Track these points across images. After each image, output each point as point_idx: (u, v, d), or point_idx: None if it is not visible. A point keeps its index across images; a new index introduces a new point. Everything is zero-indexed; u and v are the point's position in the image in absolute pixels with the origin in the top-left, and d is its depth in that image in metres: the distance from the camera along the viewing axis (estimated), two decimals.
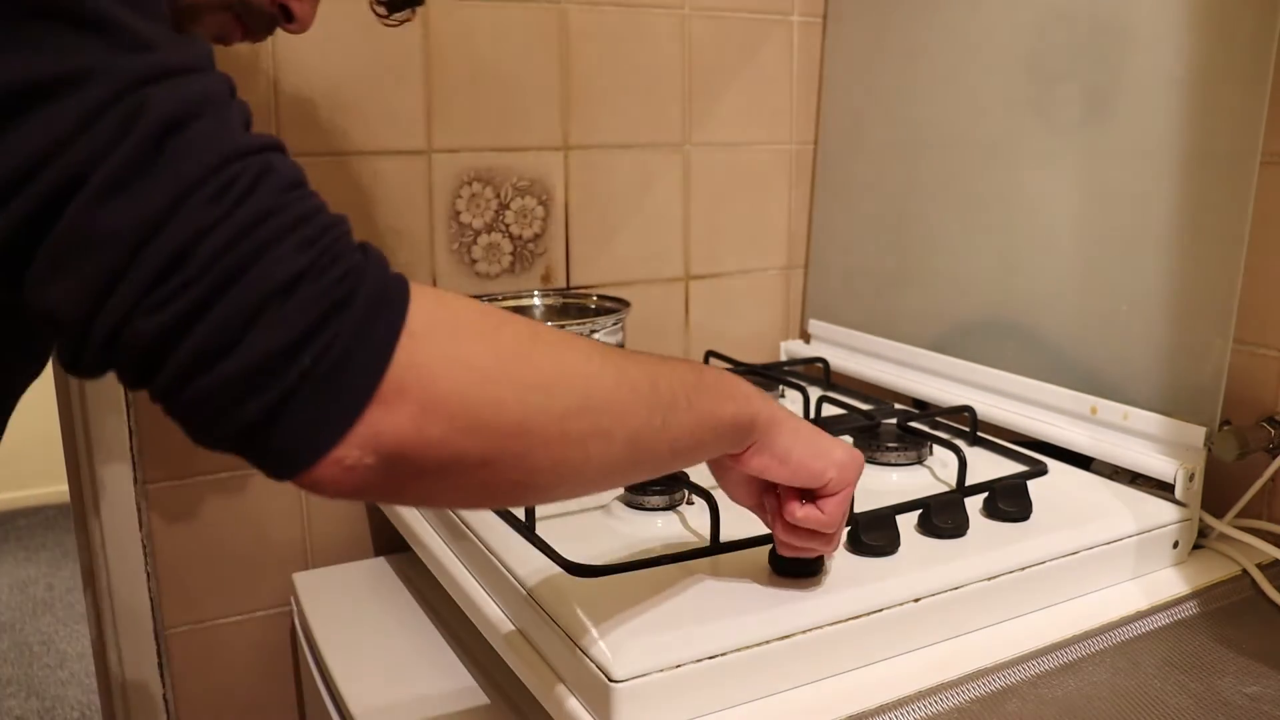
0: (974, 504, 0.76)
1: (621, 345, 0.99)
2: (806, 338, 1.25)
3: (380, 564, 1.01)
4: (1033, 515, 0.75)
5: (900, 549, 0.70)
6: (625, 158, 1.12)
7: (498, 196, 1.06)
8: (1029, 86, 0.93)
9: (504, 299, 1.06)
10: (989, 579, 0.69)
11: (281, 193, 0.38)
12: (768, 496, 0.62)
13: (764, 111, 1.19)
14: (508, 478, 0.44)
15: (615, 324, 0.99)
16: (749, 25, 1.16)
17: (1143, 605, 0.73)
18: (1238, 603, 0.74)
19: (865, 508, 0.72)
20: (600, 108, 1.09)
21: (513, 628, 0.68)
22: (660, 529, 0.74)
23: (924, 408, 1.04)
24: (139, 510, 0.94)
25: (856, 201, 1.17)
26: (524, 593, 0.66)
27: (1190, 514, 0.79)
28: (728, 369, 1.01)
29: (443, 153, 1.02)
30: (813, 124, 1.23)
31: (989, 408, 0.95)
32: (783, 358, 1.24)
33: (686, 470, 0.77)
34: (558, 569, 0.66)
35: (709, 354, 1.14)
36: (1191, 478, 0.78)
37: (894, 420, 0.91)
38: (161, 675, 0.97)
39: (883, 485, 0.81)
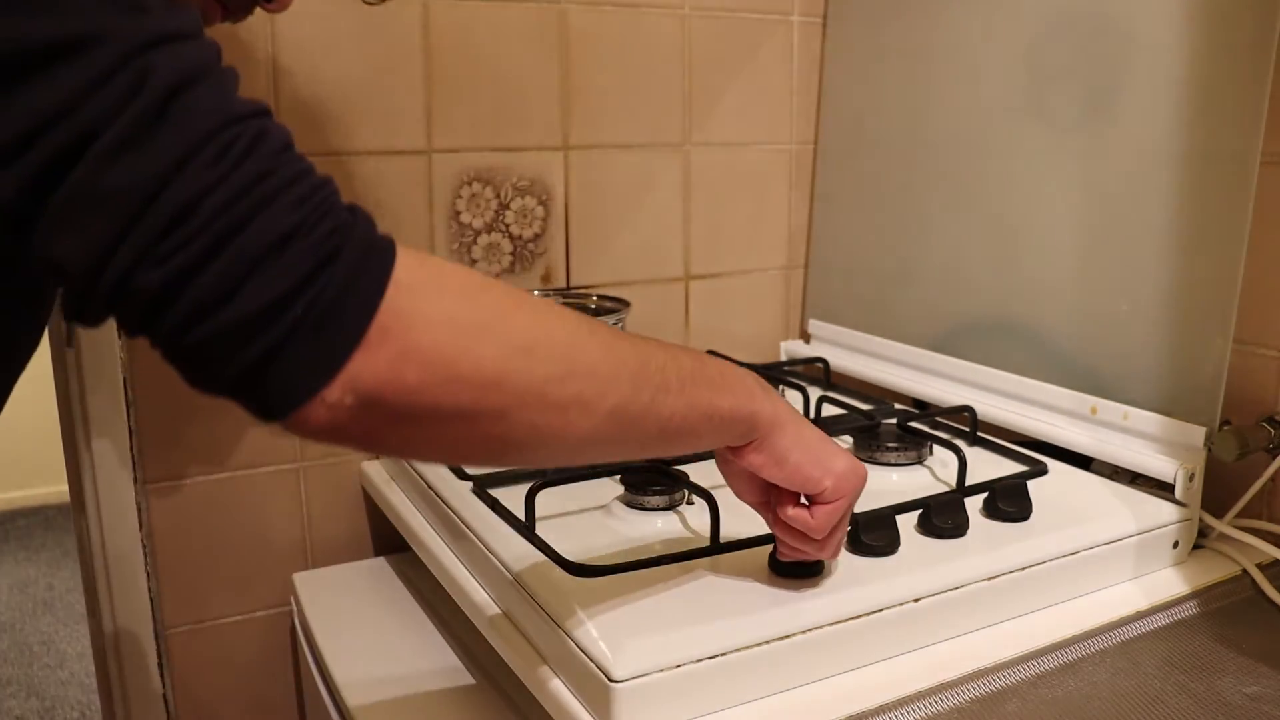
0: (974, 504, 0.76)
1: None
2: (806, 338, 1.25)
3: (380, 564, 1.01)
4: (1033, 515, 0.75)
5: (900, 549, 0.70)
6: (625, 158, 1.12)
7: (498, 196, 1.06)
8: (1029, 86, 0.93)
9: None
10: (989, 579, 0.69)
11: (275, 155, 0.41)
12: (772, 495, 0.62)
13: (764, 111, 1.19)
14: (485, 433, 0.45)
15: (615, 324, 0.99)
16: (749, 25, 1.16)
17: (1143, 605, 0.73)
18: (1238, 603, 0.74)
19: (865, 508, 0.72)
20: (600, 108, 1.09)
21: (513, 628, 0.68)
22: (660, 529, 0.74)
23: (924, 408, 1.04)
24: (139, 510, 0.94)
25: (856, 201, 1.17)
26: (524, 592, 0.66)
27: (1190, 514, 0.79)
28: None
29: (443, 153, 1.02)
30: (813, 124, 1.23)
31: (989, 408, 0.95)
32: (783, 358, 1.24)
33: (687, 470, 0.78)
34: (558, 569, 0.66)
35: (709, 354, 1.14)
36: (1191, 478, 0.78)
37: (894, 420, 0.91)
38: (161, 675, 0.97)
39: (883, 485, 0.81)
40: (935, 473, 0.84)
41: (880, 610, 0.64)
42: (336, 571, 1.01)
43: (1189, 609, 0.73)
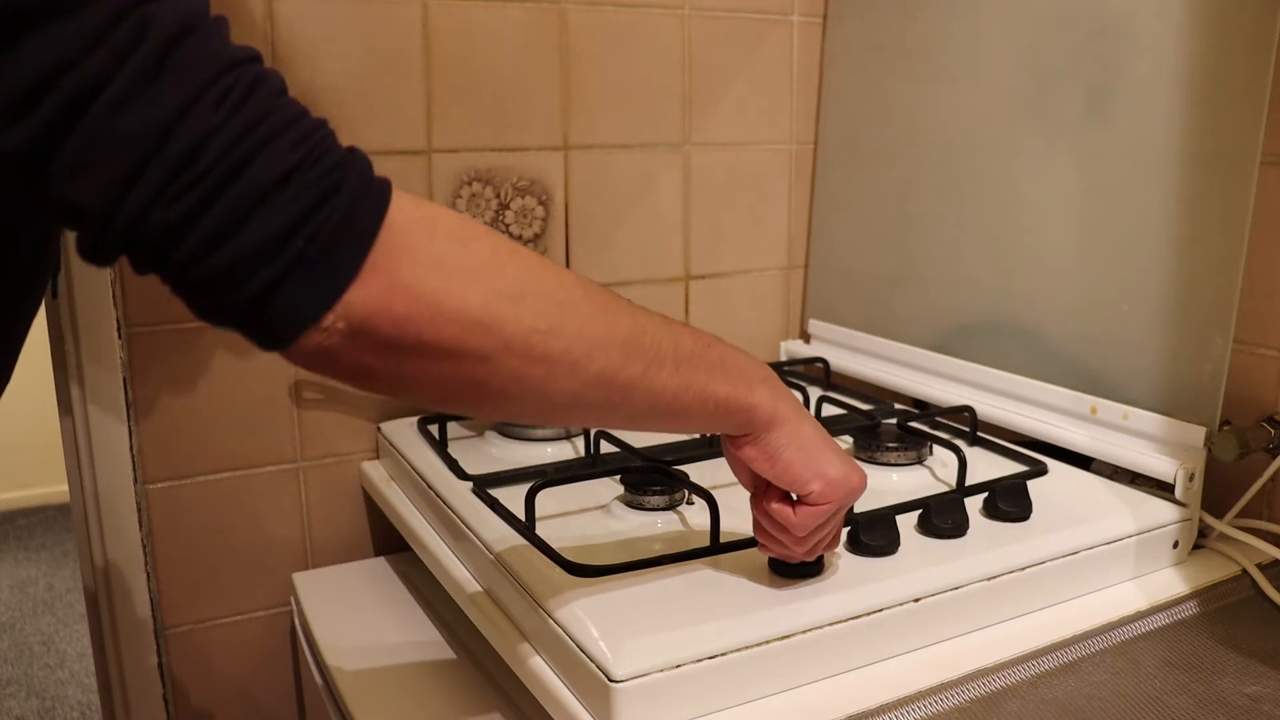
0: (974, 504, 0.76)
1: None
2: (806, 338, 1.25)
3: (380, 564, 1.01)
4: (1033, 515, 0.75)
5: (900, 549, 0.70)
6: (625, 158, 1.12)
7: (498, 196, 1.06)
8: (1029, 86, 0.93)
9: None
10: (989, 579, 0.69)
11: (274, 97, 0.43)
12: (761, 485, 0.62)
13: (764, 111, 1.19)
14: (469, 375, 0.47)
15: None
16: (749, 25, 1.16)
17: (1143, 605, 0.73)
18: (1238, 603, 0.74)
19: (865, 508, 0.72)
20: (600, 108, 1.09)
21: (512, 627, 0.68)
22: (660, 529, 0.74)
23: (924, 408, 1.04)
24: (139, 510, 0.94)
25: (856, 201, 1.17)
26: (524, 592, 0.66)
27: (1190, 514, 0.79)
28: None
29: (443, 153, 1.02)
30: (813, 124, 1.23)
31: (989, 408, 0.95)
32: (783, 358, 1.24)
33: (687, 470, 0.78)
34: (558, 569, 0.66)
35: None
36: (1191, 478, 0.78)
37: (894, 420, 0.91)
38: (161, 675, 0.97)
39: (883, 485, 0.81)
40: (935, 473, 0.84)
41: (880, 610, 0.64)
42: (336, 571, 1.01)
43: (1189, 609, 0.73)
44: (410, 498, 0.92)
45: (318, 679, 0.85)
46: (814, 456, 0.59)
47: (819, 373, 1.13)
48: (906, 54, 1.08)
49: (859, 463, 0.64)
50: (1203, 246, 0.79)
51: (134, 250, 0.42)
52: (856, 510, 0.71)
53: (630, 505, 0.77)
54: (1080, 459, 0.87)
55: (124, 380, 0.91)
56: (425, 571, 0.86)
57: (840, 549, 0.69)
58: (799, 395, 0.99)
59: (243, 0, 0.90)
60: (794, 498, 0.61)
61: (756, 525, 0.64)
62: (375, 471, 1.00)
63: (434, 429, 0.96)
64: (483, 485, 0.81)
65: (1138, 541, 0.76)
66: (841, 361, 1.15)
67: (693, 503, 0.78)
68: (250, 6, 0.91)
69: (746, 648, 0.60)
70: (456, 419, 0.99)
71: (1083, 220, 0.89)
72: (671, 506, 0.77)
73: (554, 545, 0.68)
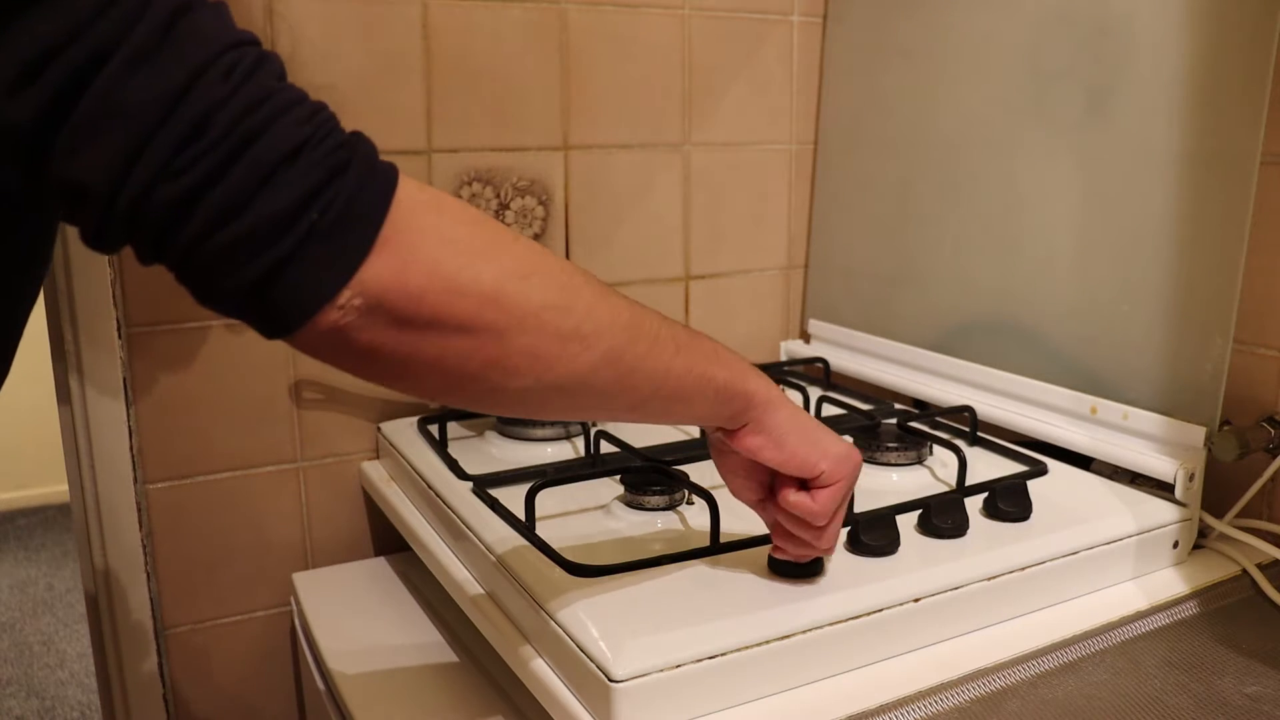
0: (974, 504, 0.76)
1: None
2: (806, 338, 1.25)
3: (380, 564, 1.01)
4: (1033, 515, 0.75)
5: (900, 549, 0.70)
6: (625, 158, 1.12)
7: (498, 196, 1.06)
8: (1029, 86, 0.93)
9: None
10: (989, 579, 0.69)
11: (276, 79, 0.42)
12: (773, 484, 0.62)
13: (764, 111, 1.19)
14: (484, 355, 0.46)
15: None
16: (749, 25, 1.16)
17: (1143, 605, 0.73)
18: (1238, 603, 0.74)
19: (865, 508, 0.72)
20: (600, 108, 1.09)
21: (512, 627, 0.68)
22: (660, 529, 0.74)
23: (924, 408, 1.04)
24: (139, 510, 0.94)
25: (856, 201, 1.17)
26: (524, 592, 0.66)
27: (1190, 514, 0.79)
28: None
29: (443, 153, 1.02)
30: (813, 124, 1.23)
31: (989, 408, 0.95)
32: (783, 358, 1.24)
33: (687, 470, 0.78)
34: (558, 569, 0.66)
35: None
36: (1191, 478, 0.78)
37: (894, 420, 0.91)
38: (161, 675, 0.97)
39: (883, 485, 0.81)
40: (935, 473, 0.84)
41: (880, 610, 0.64)
42: (336, 571, 1.01)
43: (1189, 609, 0.73)
44: (410, 498, 0.92)
45: (318, 679, 0.85)
46: (814, 437, 0.60)
47: (819, 373, 1.13)
48: (906, 54, 1.08)
49: None
50: (1203, 246, 0.79)
51: (137, 231, 0.41)
52: (856, 510, 0.71)
53: (630, 505, 0.77)
54: (1080, 459, 0.87)
55: (124, 380, 0.91)
56: (425, 571, 0.86)
57: (840, 549, 0.69)
58: (799, 395, 0.99)
59: (243, 0, 0.90)
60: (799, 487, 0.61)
61: (775, 531, 0.64)
62: (375, 471, 1.00)
63: (434, 429, 0.96)
64: (483, 485, 0.81)
65: (1138, 541, 0.76)
66: (841, 361, 1.15)
67: (693, 503, 0.78)
68: (250, 6, 0.91)
69: (746, 648, 0.60)
70: (457, 418, 0.99)
71: (1083, 220, 0.89)
72: (671, 506, 0.77)
73: (554, 545, 0.68)
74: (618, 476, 0.80)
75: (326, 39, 0.94)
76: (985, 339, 0.99)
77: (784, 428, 0.59)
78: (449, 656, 0.82)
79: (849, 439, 0.64)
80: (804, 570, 0.65)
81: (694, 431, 0.96)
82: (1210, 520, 0.81)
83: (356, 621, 0.89)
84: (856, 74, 1.16)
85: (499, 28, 1.02)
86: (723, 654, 0.59)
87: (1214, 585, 0.77)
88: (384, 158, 0.46)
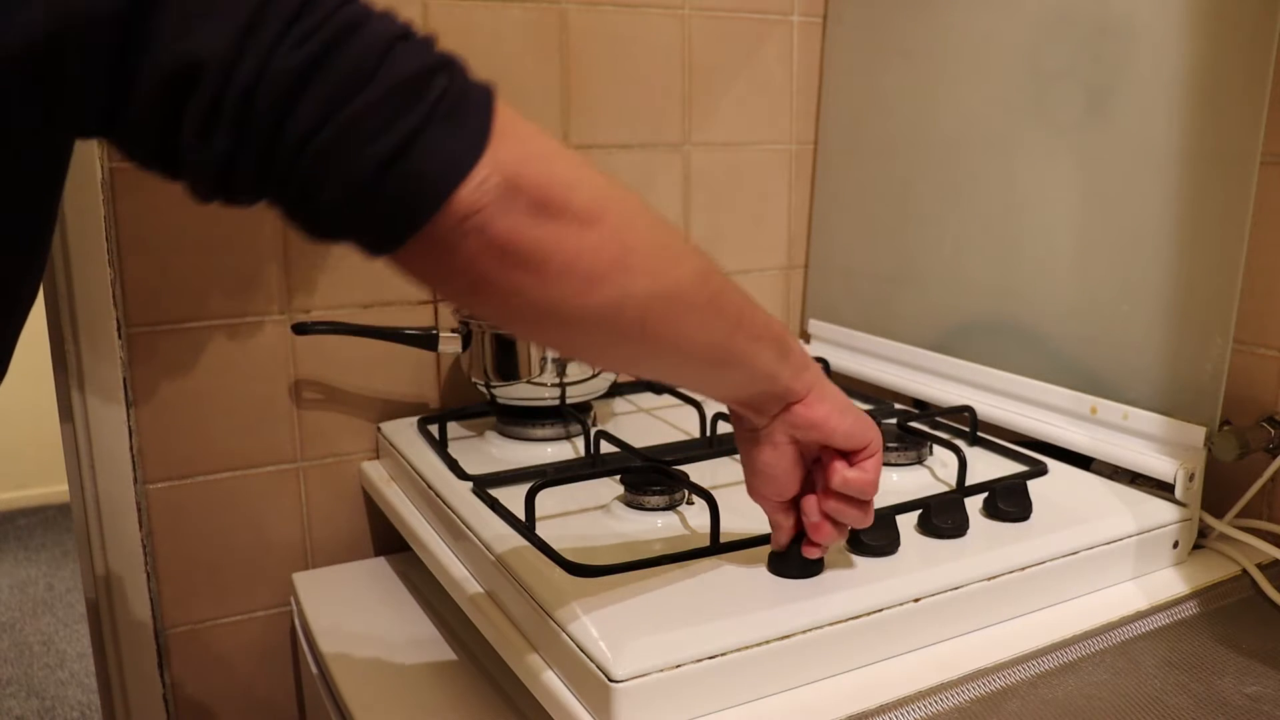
0: (974, 504, 0.76)
1: None
2: (806, 338, 1.25)
3: (380, 564, 1.01)
4: (1033, 515, 0.75)
5: (900, 549, 0.70)
6: (625, 158, 1.12)
7: None
8: (1029, 86, 0.93)
9: None
10: (989, 579, 0.69)
11: None
12: (815, 470, 0.62)
13: (764, 111, 1.19)
14: (610, 250, 0.46)
15: None
16: (749, 25, 1.16)
17: (1143, 605, 0.73)
18: (1238, 603, 0.74)
19: None
20: (600, 108, 1.09)
21: (512, 627, 0.68)
22: (660, 529, 0.74)
23: (924, 408, 1.04)
24: (139, 510, 0.94)
25: (856, 201, 1.17)
26: (524, 592, 0.66)
27: (1190, 514, 0.79)
28: None
29: None
30: (813, 124, 1.23)
31: (989, 408, 0.95)
32: None
33: (687, 470, 0.78)
34: (558, 569, 0.66)
35: None
36: (1191, 478, 0.78)
37: (894, 420, 0.91)
38: (161, 675, 0.97)
39: (883, 485, 0.80)
40: (935, 473, 0.84)
41: (880, 610, 0.64)
42: (336, 571, 1.01)
43: (1189, 609, 0.73)
44: (410, 498, 0.92)
45: (318, 679, 0.85)
46: (851, 405, 0.60)
47: None
48: (906, 54, 1.08)
49: None
50: (1203, 246, 0.79)
51: (253, 113, 0.38)
52: None
53: (630, 505, 0.77)
54: (1080, 459, 0.87)
55: (124, 380, 0.91)
56: (425, 571, 0.86)
57: (840, 549, 0.69)
58: None
59: None
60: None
61: (817, 523, 0.62)
62: (375, 471, 1.00)
63: (434, 429, 0.96)
64: (483, 485, 0.81)
65: (1138, 541, 0.76)
66: (841, 361, 1.15)
67: (693, 503, 0.78)
68: None
69: (746, 648, 0.60)
70: (457, 418, 0.99)
71: (1083, 220, 0.89)
72: (671, 506, 0.77)
73: (554, 545, 0.68)
74: (618, 476, 0.80)
75: None
76: (985, 339, 0.99)
77: (837, 395, 0.59)
78: (449, 656, 0.82)
79: None
80: (804, 570, 0.65)
81: (694, 431, 0.96)
82: (1210, 520, 0.81)
83: (356, 621, 0.89)
84: (856, 74, 1.16)
85: (499, 28, 1.02)
86: (723, 654, 0.59)
87: (1214, 585, 0.77)
88: None
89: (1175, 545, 0.78)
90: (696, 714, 0.59)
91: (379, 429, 1.02)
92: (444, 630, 0.86)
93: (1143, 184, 0.83)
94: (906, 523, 0.73)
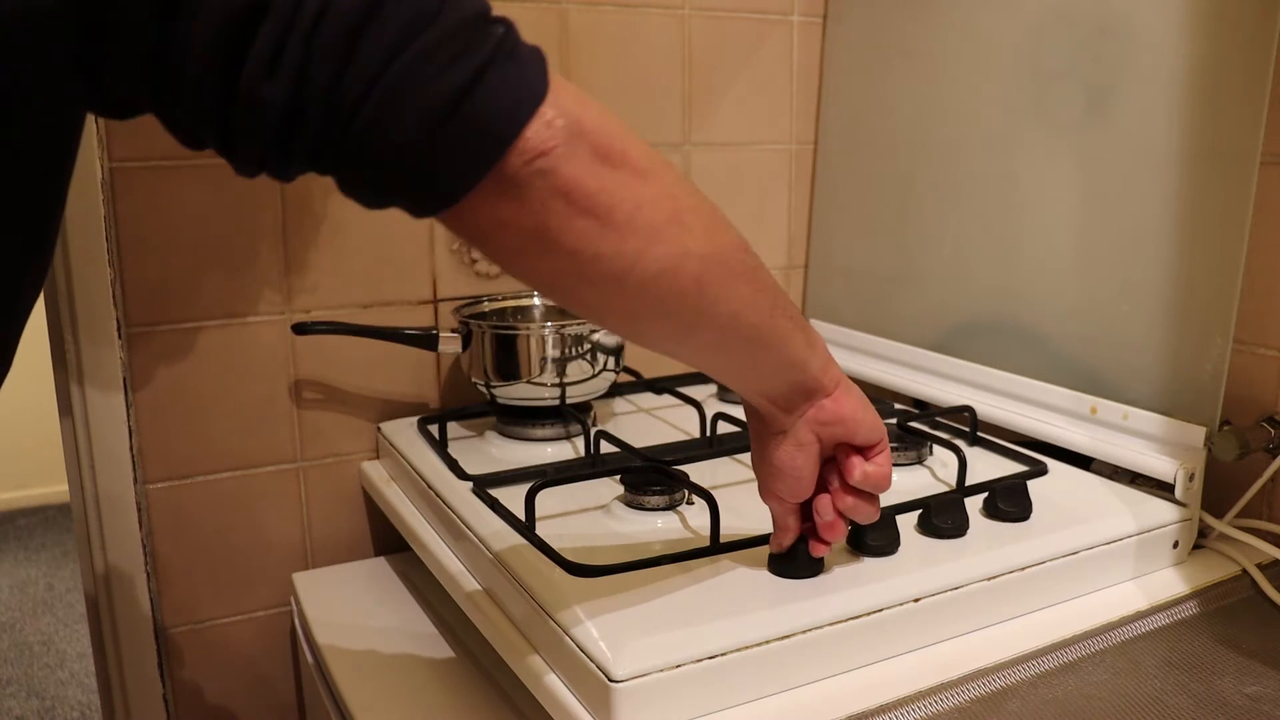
0: (974, 504, 0.76)
1: (620, 347, 0.99)
2: None
3: (380, 564, 1.01)
4: (1033, 515, 0.75)
5: (900, 549, 0.70)
6: None
7: None
8: (1029, 86, 0.93)
9: (504, 299, 1.06)
10: (989, 579, 0.69)
11: None
12: (824, 481, 0.62)
13: (764, 111, 1.19)
14: (667, 205, 0.46)
15: None
16: (749, 25, 1.16)
17: (1143, 605, 0.73)
18: (1238, 603, 0.74)
19: None
20: None
21: (512, 627, 0.68)
22: (660, 529, 0.74)
23: (924, 408, 1.04)
24: (139, 510, 0.94)
25: (856, 201, 1.17)
26: (524, 592, 0.66)
27: (1190, 514, 0.79)
28: None
29: None
30: (813, 124, 1.23)
31: (989, 408, 0.95)
32: None
33: (687, 470, 0.78)
34: (558, 569, 0.66)
35: None
36: (1191, 478, 0.78)
37: (894, 420, 0.91)
38: (161, 675, 0.97)
39: None
40: (935, 473, 0.84)
41: (880, 610, 0.64)
42: (336, 571, 1.01)
43: (1189, 609, 0.73)
44: (410, 498, 0.92)
45: (318, 679, 0.85)
46: (868, 401, 0.61)
47: None
48: (907, 54, 1.08)
49: None
50: (1203, 246, 0.79)
51: (319, 51, 0.37)
52: None
53: (630, 505, 0.77)
54: (1080, 459, 0.87)
55: (124, 380, 0.91)
56: (425, 571, 0.86)
57: (840, 549, 0.69)
58: None
59: None
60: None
61: (831, 522, 0.62)
62: (375, 471, 1.00)
63: (434, 429, 0.96)
64: (483, 485, 0.81)
65: (1138, 541, 0.76)
66: (841, 361, 1.14)
67: (693, 503, 0.78)
68: None
69: (746, 648, 0.60)
70: (457, 418, 0.99)
71: (1083, 220, 0.89)
72: (671, 506, 0.77)
73: (554, 545, 0.68)
74: (618, 476, 0.80)
75: None
76: (985, 339, 0.99)
77: (856, 390, 0.59)
78: (449, 656, 0.82)
79: None
80: (804, 570, 0.65)
81: (694, 431, 0.96)
82: (1210, 520, 0.81)
83: (356, 621, 0.89)
84: (856, 74, 1.16)
85: None
86: (723, 654, 0.59)
87: (1214, 585, 0.77)
88: None
89: (1175, 545, 0.78)
90: (697, 714, 0.59)
91: (379, 429, 1.02)
92: (444, 630, 0.86)
93: (1143, 184, 0.83)
94: (906, 523, 0.73)
